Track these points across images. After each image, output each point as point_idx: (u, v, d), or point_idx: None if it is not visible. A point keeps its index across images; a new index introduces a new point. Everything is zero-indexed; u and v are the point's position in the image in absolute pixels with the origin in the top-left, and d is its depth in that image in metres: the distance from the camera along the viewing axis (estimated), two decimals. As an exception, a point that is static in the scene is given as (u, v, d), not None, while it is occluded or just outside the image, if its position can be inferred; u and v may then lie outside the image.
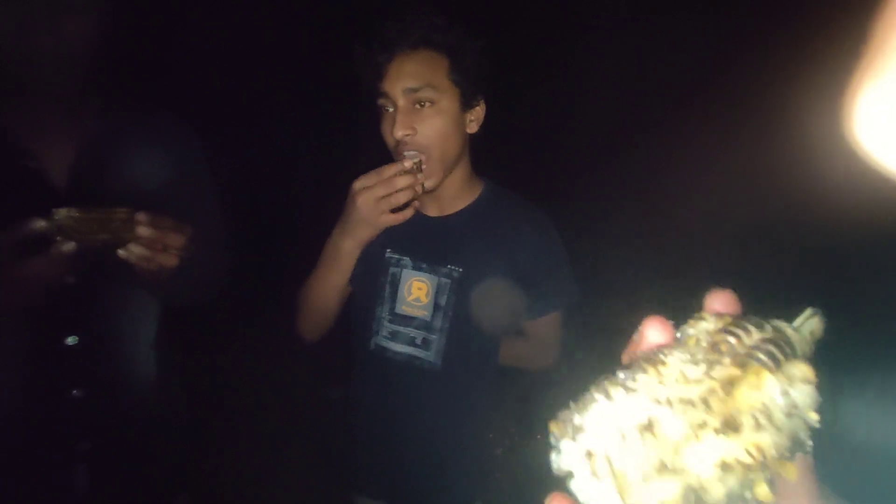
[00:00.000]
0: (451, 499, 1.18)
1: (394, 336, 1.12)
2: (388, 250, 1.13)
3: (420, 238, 1.12)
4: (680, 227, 3.23)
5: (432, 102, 0.99)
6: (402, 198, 0.97)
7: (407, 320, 1.11)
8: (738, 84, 3.42)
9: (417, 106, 0.99)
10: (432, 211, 1.13)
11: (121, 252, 0.80)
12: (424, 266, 1.10)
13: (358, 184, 0.98)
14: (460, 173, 1.10)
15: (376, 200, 0.97)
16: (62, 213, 0.75)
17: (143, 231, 0.79)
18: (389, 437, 1.15)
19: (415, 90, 0.98)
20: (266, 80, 3.52)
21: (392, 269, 1.12)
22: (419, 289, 1.10)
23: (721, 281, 0.37)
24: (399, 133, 0.97)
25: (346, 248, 1.04)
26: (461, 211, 1.12)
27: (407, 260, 1.12)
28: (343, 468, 1.29)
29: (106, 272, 0.92)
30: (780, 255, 3.02)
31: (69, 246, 0.76)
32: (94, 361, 0.95)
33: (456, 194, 1.12)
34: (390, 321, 1.12)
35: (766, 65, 3.41)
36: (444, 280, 1.09)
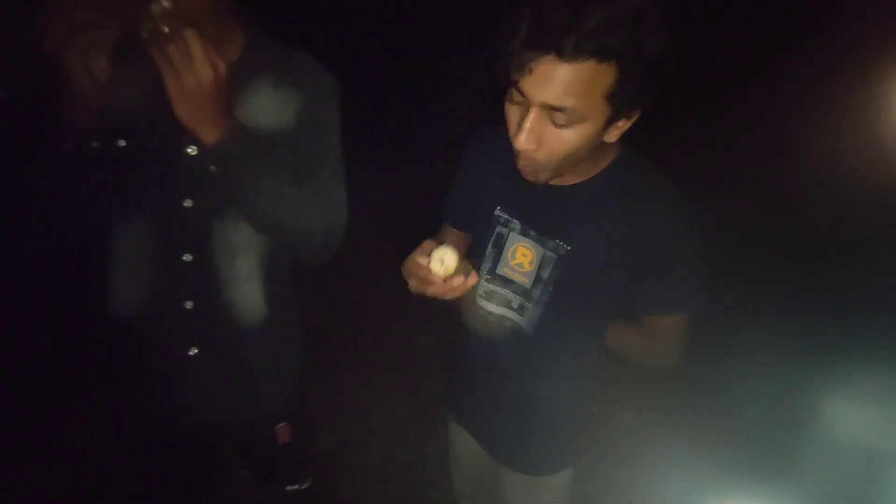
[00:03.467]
0: (536, 458, 1.18)
1: (490, 296, 1.07)
2: (498, 208, 1.04)
3: (534, 202, 1.00)
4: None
5: (572, 124, 0.78)
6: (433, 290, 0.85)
7: (506, 282, 1.05)
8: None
9: (551, 125, 0.79)
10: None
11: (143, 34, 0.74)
12: (532, 234, 1.00)
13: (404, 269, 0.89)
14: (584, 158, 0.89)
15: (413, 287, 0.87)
16: None
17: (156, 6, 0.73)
18: (484, 387, 1.16)
19: (556, 110, 0.76)
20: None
21: (499, 229, 1.05)
22: (524, 255, 1.02)
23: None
24: (521, 146, 0.80)
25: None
26: (583, 182, 0.95)
27: (516, 223, 1.02)
28: (444, 395, 1.35)
29: (222, 199, 0.95)
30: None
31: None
32: (205, 279, 0.99)
33: (581, 166, 0.92)
34: (488, 280, 1.06)
35: None
36: (549, 253, 0.98)
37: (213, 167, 0.90)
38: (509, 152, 0.96)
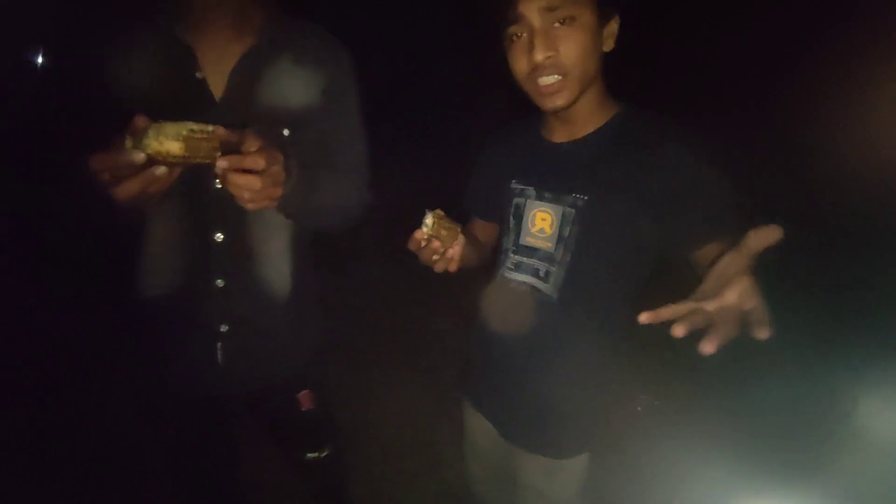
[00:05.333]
0: (553, 441, 1.14)
1: (518, 267, 1.09)
2: (514, 181, 1.10)
3: (546, 166, 1.06)
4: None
5: (573, 19, 0.89)
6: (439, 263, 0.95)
7: (531, 251, 1.07)
8: None
9: (557, 24, 0.90)
10: (561, 137, 1.05)
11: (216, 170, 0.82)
12: (548, 195, 1.04)
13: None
14: (592, 95, 0.99)
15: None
16: (150, 133, 0.76)
17: (222, 162, 0.81)
18: (503, 367, 1.15)
19: (553, 8, 0.88)
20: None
21: (516, 200, 1.09)
22: (543, 220, 1.05)
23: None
24: (540, 56, 0.90)
25: None
26: (591, 134, 1.02)
27: (531, 190, 1.07)
28: (458, 379, 1.34)
29: None
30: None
31: (161, 170, 0.78)
32: (235, 257, 1.05)
33: (587, 118, 1.01)
34: (514, 252, 1.10)
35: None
36: (568, 210, 1.01)
37: None
38: (520, 136, 1.11)
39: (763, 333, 0.64)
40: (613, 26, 0.96)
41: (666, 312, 0.70)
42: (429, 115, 3.96)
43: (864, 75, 3.20)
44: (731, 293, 0.67)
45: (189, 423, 1.25)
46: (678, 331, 0.66)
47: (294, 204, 0.95)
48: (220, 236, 1.03)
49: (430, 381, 2.50)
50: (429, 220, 0.90)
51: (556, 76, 0.92)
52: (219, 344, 1.09)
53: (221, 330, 1.08)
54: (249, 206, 0.86)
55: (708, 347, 0.63)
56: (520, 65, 0.94)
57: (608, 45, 0.96)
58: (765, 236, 0.67)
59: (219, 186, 1.00)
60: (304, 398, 1.25)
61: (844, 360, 2.10)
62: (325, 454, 1.36)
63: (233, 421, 1.34)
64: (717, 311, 0.67)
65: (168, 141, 0.76)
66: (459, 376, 1.33)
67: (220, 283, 1.05)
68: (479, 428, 1.27)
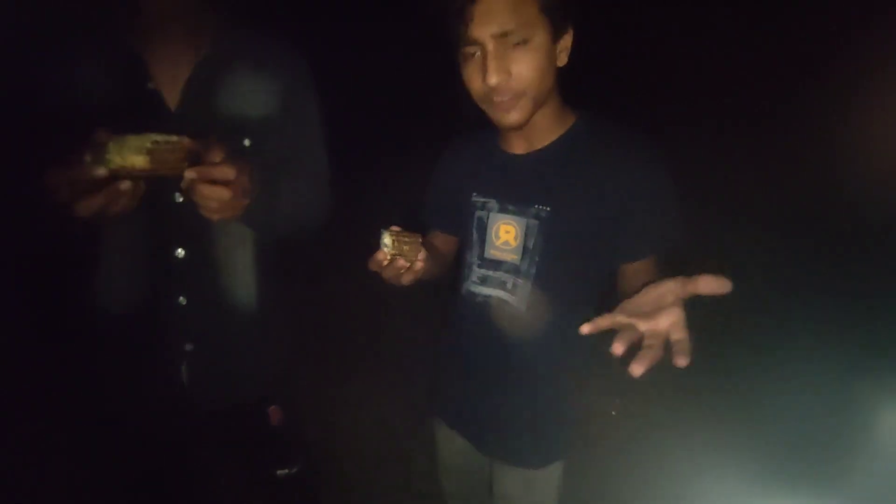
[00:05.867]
0: (529, 451, 1.15)
1: (484, 280, 1.09)
2: (475, 194, 1.09)
3: (506, 178, 1.06)
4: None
5: (526, 41, 0.88)
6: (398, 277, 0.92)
7: (496, 264, 1.07)
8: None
9: (509, 47, 0.89)
10: (519, 148, 1.05)
11: (183, 183, 0.80)
12: (511, 208, 1.05)
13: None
14: (549, 107, 1.00)
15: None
16: (112, 147, 0.74)
17: (189, 173, 0.79)
18: (474, 380, 1.15)
19: (507, 34, 0.87)
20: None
21: (478, 213, 1.09)
22: (507, 232, 1.05)
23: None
24: (494, 80, 0.89)
25: None
26: (549, 145, 1.02)
27: (493, 202, 1.07)
28: (426, 396, 1.32)
29: None
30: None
31: (126, 185, 0.76)
32: (198, 273, 1.03)
33: (545, 129, 1.02)
34: (479, 266, 1.10)
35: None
36: (531, 221, 1.02)
37: None
38: (478, 147, 1.11)
39: (682, 363, 0.66)
40: (567, 41, 0.96)
41: (604, 322, 0.73)
42: (397, 123, 3.96)
43: (864, 75, 3.29)
44: (664, 320, 0.70)
45: (153, 445, 1.20)
46: (617, 349, 0.69)
47: (258, 214, 0.93)
48: (181, 252, 1.01)
49: (402, 393, 2.48)
50: (387, 239, 0.87)
51: (510, 96, 0.92)
52: (183, 364, 1.06)
53: (186, 349, 1.05)
54: (215, 217, 0.84)
55: (637, 370, 0.66)
56: (474, 84, 0.93)
57: (562, 60, 0.96)
58: (715, 286, 0.69)
59: (179, 200, 0.98)
60: (274, 413, 1.22)
61: (849, 362, 2.14)
62: (296, 470, 1.34)
63: (199, 440, 1.29)
64: (647, 332, 0.70)
65: (131, 155, 0.74)
66: (428, 395, 1.31)
67: (182, 300, 1.03)
68: (451, 445, 1.26)
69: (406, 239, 0.89)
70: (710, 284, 0.69)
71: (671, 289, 0.72)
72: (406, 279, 0.92)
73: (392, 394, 2.49)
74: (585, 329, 0.74)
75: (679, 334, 0.68)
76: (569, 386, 1.12)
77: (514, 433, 1.14)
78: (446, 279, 1.23)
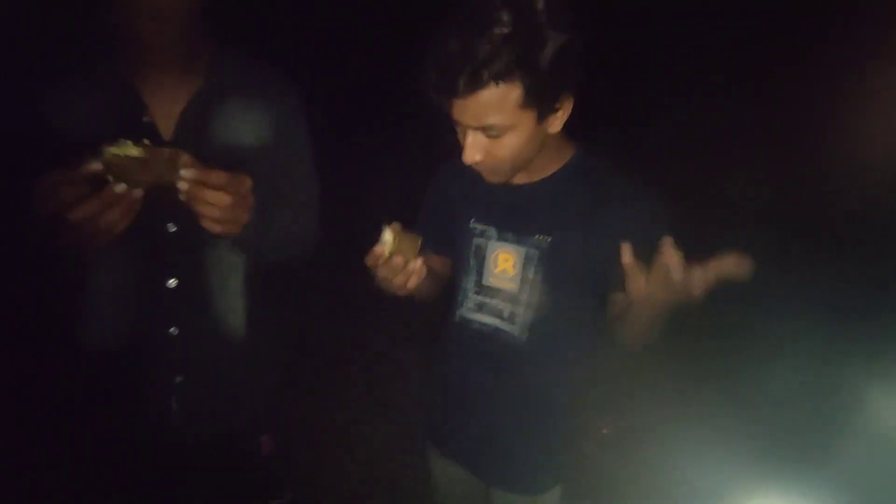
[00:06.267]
0: (529, 477, 1.14)
1: (480, 307, 1.09)
2: (473, 220, 1.09)
3: (506, 207, 1.06)
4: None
5: (507, 129, 0.86)
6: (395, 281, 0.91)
7: (494, 292, 1.07)
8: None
9: (489, 134, 0.87)
10: (520, 178, 1.03)
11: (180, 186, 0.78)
12: (510, 236, 1.04)
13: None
14: (545, 149, 0.98)
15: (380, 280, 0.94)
16: (109, 153, 0.73)
17: (186, 172, 0.78)
18: (471, 408, 1.14)
19: (485, 128, 0.85)
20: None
21: (476, 241, 1.08)
22: (505, 260, 1.05)
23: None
24: (468, 160, 0.89)
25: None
26: (549, 177, 1.03)
27: (492, 230, 1.06)
28: (420, 426, 1.31)
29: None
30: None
31: (121, 187, 0.74)
32: (189, 304, 1.02)
33: (544, 162, 1.01)
34: (476, 293, 1.09)
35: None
36: (531, 251, 1.02)
37: None
38: (475, 174, 1.05)
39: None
40: (560, 114, 0.91)
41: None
42: (382, 153, 3.97)
43: (863, 75, 3.34)
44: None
45: (143, 477, 1.17)
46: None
47: (253, 236, 0.92)
48: (173, 282, 1.00)
49: (396, 421, 2.46)
50: (388, 235, 0.86)
51: (488, 169, 0.93)
52: (174, 396, 1.05)
53: (176, 381, 1.04)
54: (217, 230, 0.82)
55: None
56: (461, 142, 0.92)
57: (556, 128, 0.92)
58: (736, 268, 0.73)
59: (173, 230, 0.98)
60: (265, 443, 1.21)
61: (847, 358, 2.14)
62: (288, 499, 1.32)
63: (189, 471, 1.26)
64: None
65: (126, 147, 0.74)
66: (422, 424, 1.30)
67: (173, 331, 1.02)
68: (447, 474, 1.25)
69: (406, 237, 0.88)
70: (731, 266, 0.73)
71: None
72: (400, 281, 0.90)
73: (385, 422, 2.46)
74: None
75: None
76: (565, 411, 1.13)
77: (512, 460, 1.13)
78: (439, 305, 1.22)
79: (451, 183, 1.16)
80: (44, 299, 1.10)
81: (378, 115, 4.31)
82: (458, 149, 0.93)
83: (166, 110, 0.97)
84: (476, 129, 0.86)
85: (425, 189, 1.22)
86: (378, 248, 0.87)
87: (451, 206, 1.14)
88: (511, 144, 0.88)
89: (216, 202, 0.80)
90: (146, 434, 1.07)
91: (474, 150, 0.88)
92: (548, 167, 1.02)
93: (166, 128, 0.97)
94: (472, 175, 1.09)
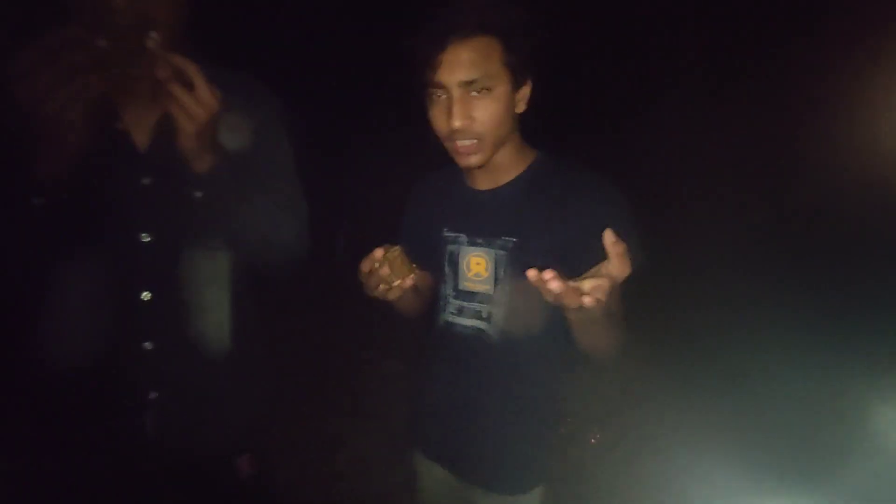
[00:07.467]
0: (510, 477, 1.17)
1: (460, 311, 1.15)
2: (446, 229, 1.16)
3: (473, 213, 1.13)
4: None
5: (489, 89, 0.98)
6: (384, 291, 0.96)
7: (471, 295, 1.13)
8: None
9: (473, 93, 0.98)
10: (484, 184, 1.13)
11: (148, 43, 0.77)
12: (479, 241, 1.11)
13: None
14: (510, 147, 1.09)
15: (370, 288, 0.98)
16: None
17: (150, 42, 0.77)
18: (454, 409, 1.18)
19: (471, 82, 0.96)
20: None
21: (450, 247, 1.15)
22: (478, 264, 1.11)
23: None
24: (457, 123, 0.97)
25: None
26: (512, 181, 1.11)
27: (462, 236, 1.13)
28: (406, 428, 1.34)
29: (182, 232, 0.96)
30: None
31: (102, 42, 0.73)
32: (165, 317, 0.99)
33: (507, 166, 1.10)
34: (455, 297, 1.15)
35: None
36: (500, 252, 1.08)
37: (199, 194, 0.91)
38: (445, 185, 1.20)
39: (585, 300, 0.78)
40: (526, 91, 1.05)
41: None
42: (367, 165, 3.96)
43: (864, 75, 3.38)
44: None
45: (113, 497, 1.12)
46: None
47: (225, 188, 0.90)
48: (147, 295, 0.97)
49: (382, 428, 2.43)
50: (387, 253, 0.93)
51: (471, 139, 1.00)
52: (147, 413, 1.01)
53: (150, 398, 1.00)
54: (190, 128, 0.81)
55: (553, 283, 0.77)
56: (439, 124, 1.02)
57: (521, 108, 1.06)
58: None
59: (146, 240, 0.95)
60: (247, 462, 1.17)
61: (846, 363, 2.16)
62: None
63: (165, 495, 1.20)
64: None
65: None
66: (408, 427, 1.33)
67: (148, 345, 0.98)
68: (432, 476, 1.28)
69: (404, 260, 0.94)
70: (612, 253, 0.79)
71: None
72: (382, 291, 0.95)
73: (372, 437, 2.43)
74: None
75: (595, 288, 0.78)
76: (546, 411, 1.18)
77: (494, 460, 1.16)
78: (423, 315, 1.26)
79: (424, 198, 1.26)
80: (10, 312, 1.05)
81: (361, 125, 4.30)
82: (434, 159, 1.03)
83: (141, 119, 0.95)
84: (463, 85, 0.96)
85: (402, 205, 1.29)
86: (378, 251, 0.93)
87: (426, 220, 1.21)
88: (492, 108, 0.99)
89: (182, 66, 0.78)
90: (118, 453, 1.04)
91: (462, 109, 0.97)
92: (511, 171, 1.11)
93: (141, 136, 0.95)
94: (442, 187, 1.23)
